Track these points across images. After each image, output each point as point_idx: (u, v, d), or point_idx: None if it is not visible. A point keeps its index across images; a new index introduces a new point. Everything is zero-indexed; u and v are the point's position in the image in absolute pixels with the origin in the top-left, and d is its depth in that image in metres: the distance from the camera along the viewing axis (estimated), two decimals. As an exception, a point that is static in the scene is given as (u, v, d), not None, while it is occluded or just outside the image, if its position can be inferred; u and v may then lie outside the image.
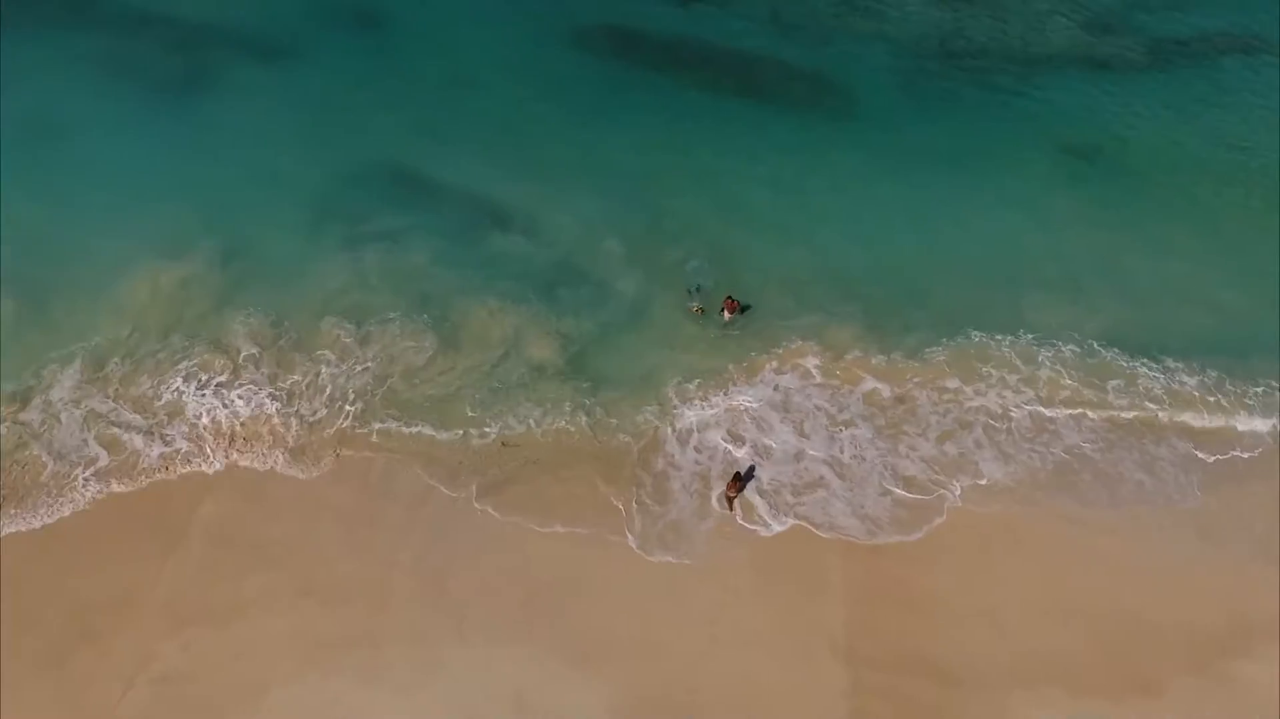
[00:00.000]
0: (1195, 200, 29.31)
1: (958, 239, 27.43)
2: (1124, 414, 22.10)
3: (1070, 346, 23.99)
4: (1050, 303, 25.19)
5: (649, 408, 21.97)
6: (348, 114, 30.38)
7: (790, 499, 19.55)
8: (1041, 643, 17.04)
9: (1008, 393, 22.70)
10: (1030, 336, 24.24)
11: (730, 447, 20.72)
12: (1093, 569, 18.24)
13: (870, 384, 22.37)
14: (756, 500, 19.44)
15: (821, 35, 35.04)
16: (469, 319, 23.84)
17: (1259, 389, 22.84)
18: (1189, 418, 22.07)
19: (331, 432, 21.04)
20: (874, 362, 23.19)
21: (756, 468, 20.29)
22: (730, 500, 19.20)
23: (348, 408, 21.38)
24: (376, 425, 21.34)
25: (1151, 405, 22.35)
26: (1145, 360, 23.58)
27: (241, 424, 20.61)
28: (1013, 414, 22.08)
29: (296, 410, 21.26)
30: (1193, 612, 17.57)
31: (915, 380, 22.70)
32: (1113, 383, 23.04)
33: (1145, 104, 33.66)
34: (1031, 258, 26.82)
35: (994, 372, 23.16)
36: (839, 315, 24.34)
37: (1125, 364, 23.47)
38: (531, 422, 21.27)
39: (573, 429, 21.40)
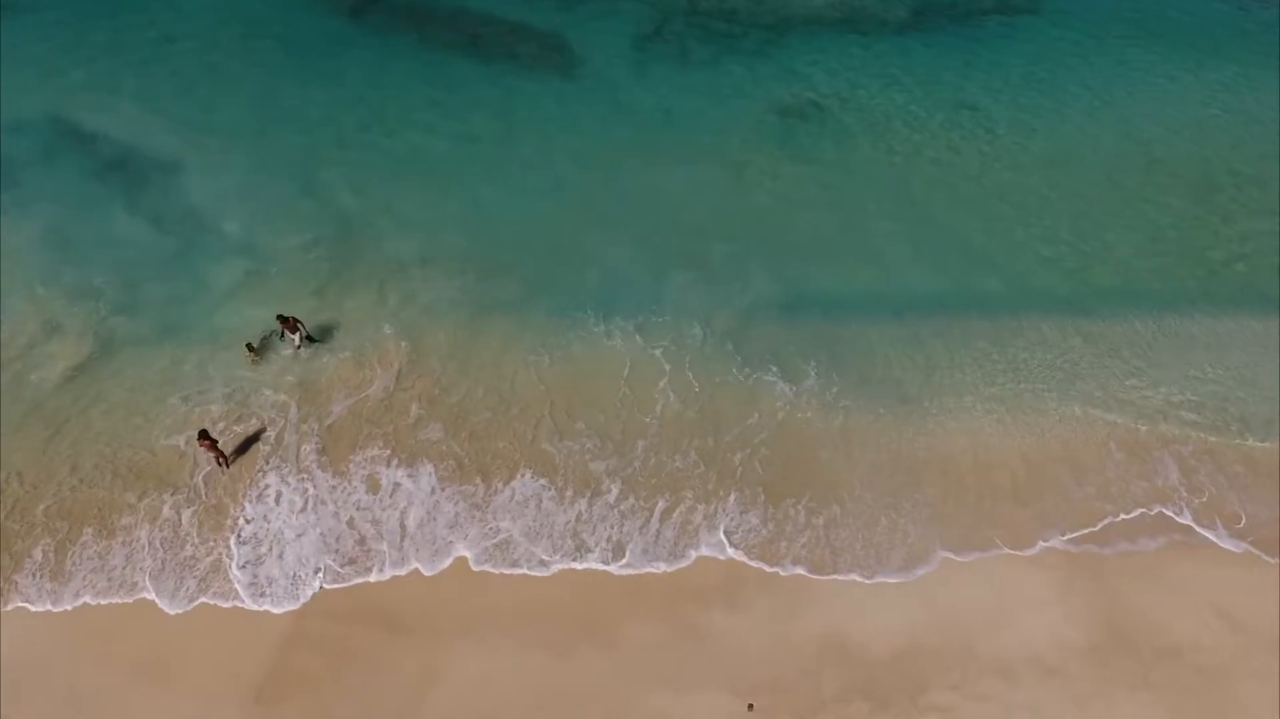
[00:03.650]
0: (914, 165, 28.55)
1: (635, 202, 26.52)
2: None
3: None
4: (699, 280, 24.04)
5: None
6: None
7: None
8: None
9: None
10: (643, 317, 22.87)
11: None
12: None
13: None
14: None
15: (571, -4, 34.15)
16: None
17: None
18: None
19: None
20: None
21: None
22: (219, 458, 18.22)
23: None
24: None
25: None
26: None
27: None
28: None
29: None
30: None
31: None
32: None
33: (891, 66, 33.11)
34: (706, 223, 25.86)
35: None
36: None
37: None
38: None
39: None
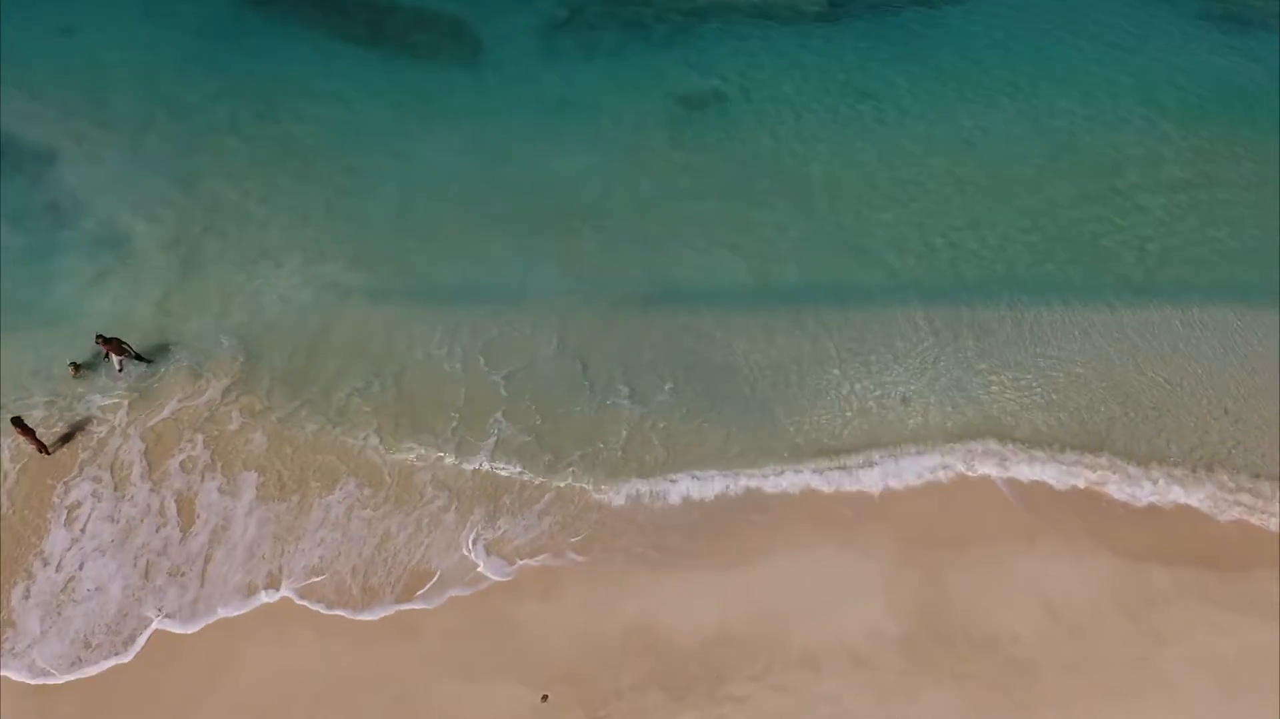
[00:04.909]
0: (811, 155, 28.27)
1: (518, 195, 26.16)
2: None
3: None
4: (568, 278, 23.56)
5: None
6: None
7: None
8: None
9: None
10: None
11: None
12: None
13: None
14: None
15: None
16: None
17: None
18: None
19: None
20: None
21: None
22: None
23: None
24: None
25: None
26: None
27: None
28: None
29: None
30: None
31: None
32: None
33: (801, 57, 32.78)
34: (588, 216, 25.51)
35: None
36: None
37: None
38: None
39: None
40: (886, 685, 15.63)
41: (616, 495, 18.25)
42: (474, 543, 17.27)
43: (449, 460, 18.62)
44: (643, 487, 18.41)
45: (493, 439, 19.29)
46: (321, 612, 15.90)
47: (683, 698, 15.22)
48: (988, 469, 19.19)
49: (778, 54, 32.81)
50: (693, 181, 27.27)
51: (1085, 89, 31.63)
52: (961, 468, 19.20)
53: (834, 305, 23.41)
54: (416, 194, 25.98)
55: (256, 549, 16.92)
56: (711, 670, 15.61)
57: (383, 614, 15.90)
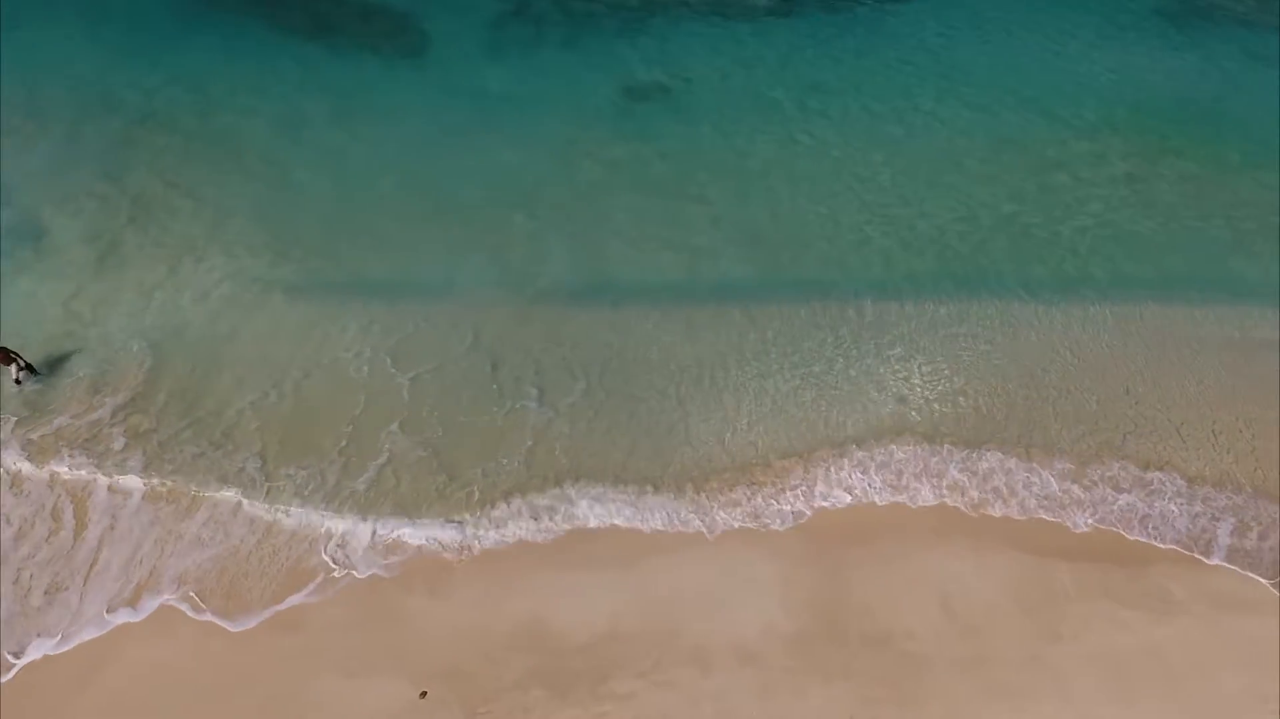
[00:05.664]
0: (752, 148, 28.11)
1: (453, 189, 25.95)
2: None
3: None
4: (491, 272, 23.34)
5: None
6: None
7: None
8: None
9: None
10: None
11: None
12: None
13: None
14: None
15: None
16: None
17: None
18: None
19: None
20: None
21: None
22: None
23: None
24: None
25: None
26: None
27: None
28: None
29: None
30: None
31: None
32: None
33: (749, 49, 32.62)
34: (521, 208, 25.22)
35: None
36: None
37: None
38: None
39: None
40: (774, 682, 15.45)
41: (511, 517, 17.81)
42: (343, 543, 16.99)
43: (329, 483, 18.00)
44: (540, 502, 17.96)
45: (383, 458, 18.51)
46: (193, 616, 15.66)
47: (565, 695, 15.05)
48: (899, 467, 18.94)
49: (725, 48, 32.62)
50: (630, 175, 27.07)
51: (1035, 84, 31.39)
52: (872, 466, 18.95)
53: (761, 300, 23.19)
54: (348, 189, 25.81)
55: (137, 552, 16.68)
56: (597, 667, 15.43)
57: (259, 619, 15.64)
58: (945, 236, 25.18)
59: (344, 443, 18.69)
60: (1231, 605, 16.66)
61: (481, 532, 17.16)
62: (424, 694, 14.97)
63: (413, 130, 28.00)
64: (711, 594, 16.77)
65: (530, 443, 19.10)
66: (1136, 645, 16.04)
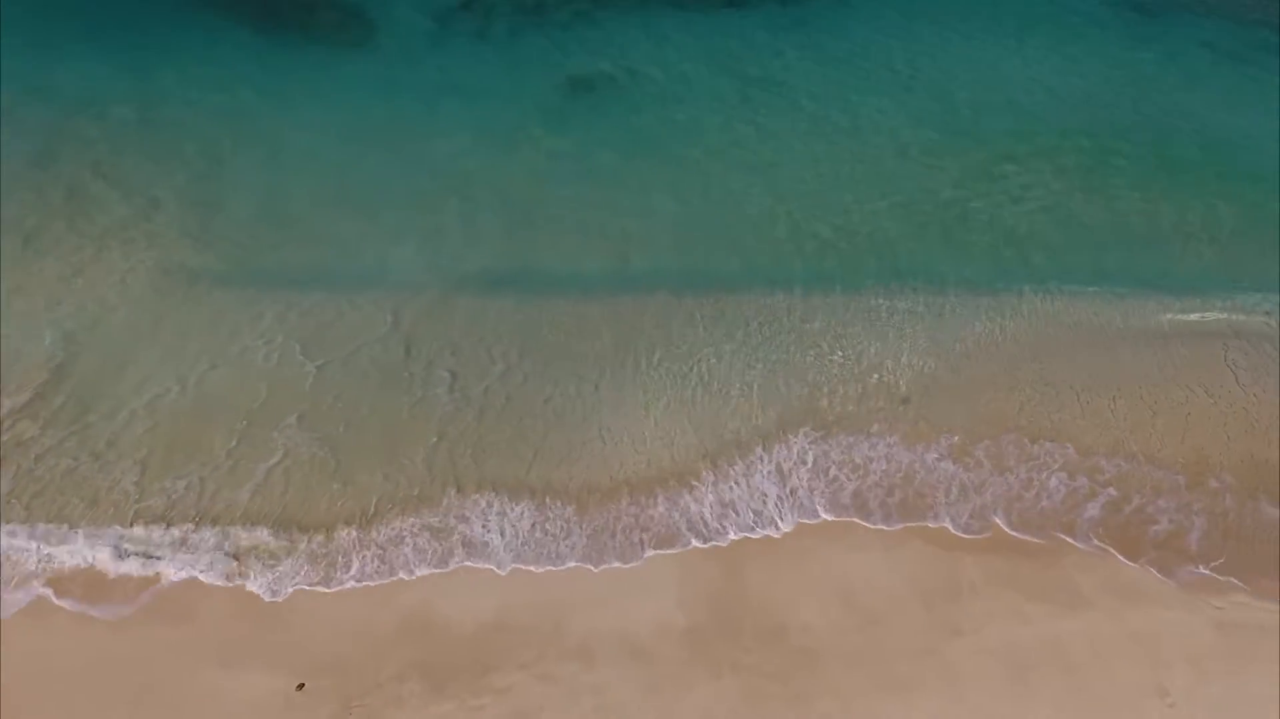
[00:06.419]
0: (694, 139, 27.74)
1: (388, 177, 25.77)
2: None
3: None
4: (418, 258, 23.12)
5: None
6: None
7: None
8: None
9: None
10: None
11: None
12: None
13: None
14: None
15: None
16: None
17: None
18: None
19: None
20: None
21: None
22: None
23: None
24: None
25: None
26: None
27: None
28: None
29: None
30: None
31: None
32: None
33: (701, 41, 32.28)
34: (454, 196, 25.04)
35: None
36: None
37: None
38: None
39: None
40: (661, 677, 15.14)
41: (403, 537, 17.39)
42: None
43: (210, 491, 17.60)
44: (433, 520, 17.49)
45: (275, 458, 18.10)
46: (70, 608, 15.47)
47: (443, 688, 14.79)
48: (804, 460, 18.57)
49: (678, 39, 32.22)
50: (570, 164, 26.81)
51: (989, 78, 30.96)
52: (780, 460, 18.59)
53: (691, 289, 22.90)
54: (283, 178, 25.62)
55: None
56: (479, 660, 15.17)
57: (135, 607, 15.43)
58: (882, 228, 24.79)
59: (235, 443, 18.29)
60: (1139, 599, 16.23)
61: (367, 565, 16.62)
62: (301, 686, 14.73)
63: (354, 120, 27.78)
64: (604, 589, 16.46)
65: (434, 439, 18.74)
66: (1037, 639, 15.67)
